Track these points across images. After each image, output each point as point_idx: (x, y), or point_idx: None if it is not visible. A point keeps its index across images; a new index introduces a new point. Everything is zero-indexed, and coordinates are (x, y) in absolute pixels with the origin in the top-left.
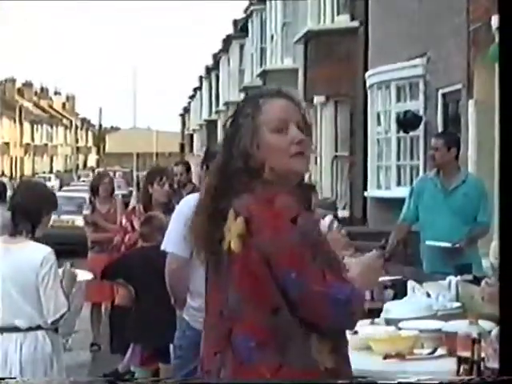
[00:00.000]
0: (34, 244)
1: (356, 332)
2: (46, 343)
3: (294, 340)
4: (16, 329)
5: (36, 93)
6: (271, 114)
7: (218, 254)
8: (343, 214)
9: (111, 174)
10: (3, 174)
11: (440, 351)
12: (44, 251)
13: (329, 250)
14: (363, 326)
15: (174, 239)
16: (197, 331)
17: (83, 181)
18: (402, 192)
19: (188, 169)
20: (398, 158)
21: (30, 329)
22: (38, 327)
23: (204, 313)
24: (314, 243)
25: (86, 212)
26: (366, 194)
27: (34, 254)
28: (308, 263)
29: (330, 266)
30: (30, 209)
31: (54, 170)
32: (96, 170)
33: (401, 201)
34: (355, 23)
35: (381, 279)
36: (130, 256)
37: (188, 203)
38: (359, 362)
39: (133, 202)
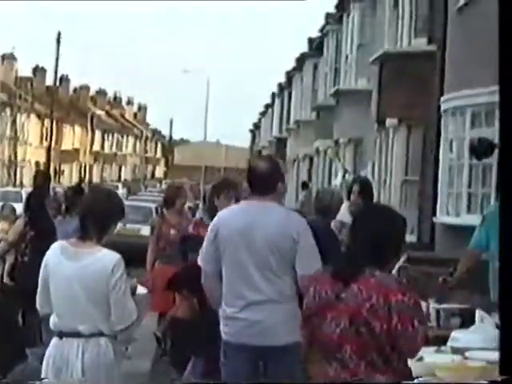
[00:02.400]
0: (105, 250)
1: (421, 358)
2: (109, 350)
3: None
4: (78, 334)
5: (109, 101)
6: None
7: None
8: (410, 238)
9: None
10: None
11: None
12: (115, 257)
13: None
14: (429, 353)
15: (201, 255)
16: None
17: (150, 191)
18: (472, 220)
19: None
20: (470, 186)
21: (92, 335)
22: (101, 334)
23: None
24: None
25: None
26: (434, 219)
27: (105, 259)
28: None
29: None
30: (101, 214)
31: (122, 179)
32: (170, 182)
33: (470, 228)
34: (432, 47)
35: (448, 306)
36: (194, 267)
37: (215, 220)
38: None
39: (199, 214)
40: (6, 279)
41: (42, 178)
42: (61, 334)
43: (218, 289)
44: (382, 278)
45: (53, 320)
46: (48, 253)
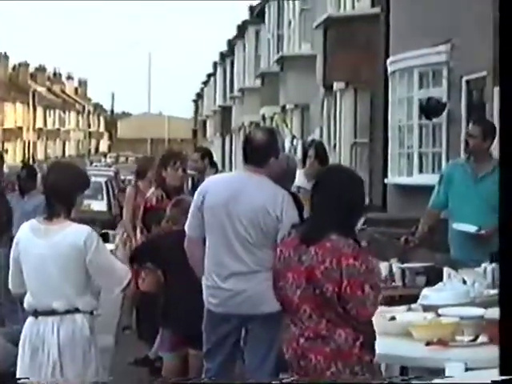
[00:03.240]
0: (74, 224)
1: (394, 318)
2: (85, 326)
3: None
4: (53, 312)
5: (49, 78)
6: None
7: None
8: None
9: (123, 159)
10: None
11: (482, 338)
12: (85, 230)
13: None
14: (401, 313)
15: (188, 220)
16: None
17: (96, 166)
18: (424, 179)
19: (203, 156)
20: (420, 145)
21: (67, 312)
22: (77, 310)
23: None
24: None
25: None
26: (386, 180)
27: (76, 234)
28: None
29: None
30: (65, 190)
31: (67, 155)
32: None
33: (423, 188)
34: (376, 9)
35: (413, 265)
36: (157, 240)
37: (203, 186)
38: (401, 348)
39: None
40: None
41: None
42: (36, 313)
43: (202, 256)
44: (337, 242)
45: (27, 300)
46: (18, 233)
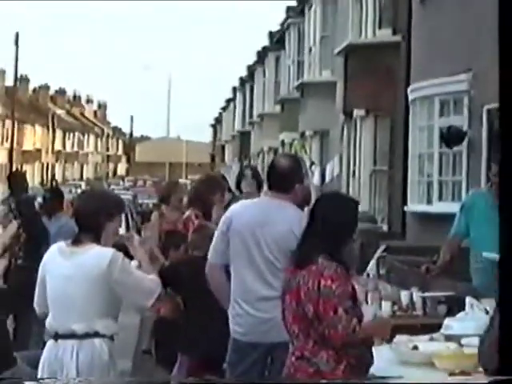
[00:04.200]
0: (99, 247)
1: (416, 347)
2: (103, 350)
3: None
4: (72, 336)
5: (68, 100)
6: None
7: None
8: (382, 228)
9: (141, 182)
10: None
11: None
12: (109, 253)
13: None
14: (423, 342)
15: (211, 247)
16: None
17: (113, 189)
18: (444, 207)
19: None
20: (440, 174)
21: (86, 335)
22: (96, 334)
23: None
24: None
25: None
26: (405, 208)
27: (100, 255)
28: None
29: None
30: (90, 216)
31: (84, 178)
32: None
33: (443, 216)
34: (397, 37)
35: (434, 294)
36: (179, 265)
37: (229, 212)
38: (423, 378)
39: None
40: None
41: (23, 179)
42: (56, 336)
43: (225, 283)
44: (322, 265)
45: (48, 321)
46: (46, 254)
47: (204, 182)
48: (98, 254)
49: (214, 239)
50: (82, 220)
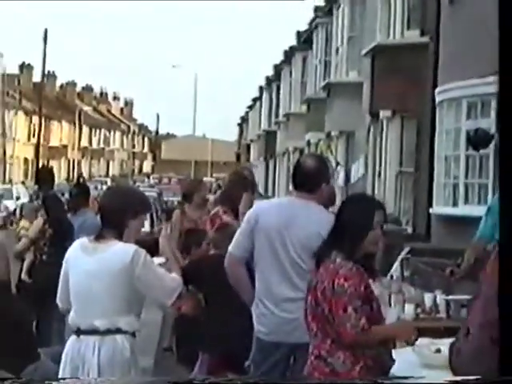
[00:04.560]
0: (121, 243)
1: (439, 350)
2: (125, 347)
3: None
4: (94, 331)
5: (95, 97)
6: None
7: None
8: (407, 230)
9: (166, 180)
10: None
11: None
12: (131, 249)
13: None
14: (446, 345)
15: (233, 241)
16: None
17: (139, 186)
18: (469, 210)
19: None
20: (467, 176)
21: (108, 331)
22: (118, 330)
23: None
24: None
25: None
26: (431, 210)
27: (123, 251)
28: None
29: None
30: (115, 211)
31: (110, 175)
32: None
33: (468, 219)
34: (425, 38)
35: (458, 297)
36: (200, 262)
37: (255, 209)
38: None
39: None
40: (24, 276)
41: (50, 175)
42: (78, 332)
43: (245, 276)
44: (338, 264)
45: (71, 317)
46: (69, 249)
47: (234, 177)
48: (120, 250)
49: (238, 232)
50: (106, 216)
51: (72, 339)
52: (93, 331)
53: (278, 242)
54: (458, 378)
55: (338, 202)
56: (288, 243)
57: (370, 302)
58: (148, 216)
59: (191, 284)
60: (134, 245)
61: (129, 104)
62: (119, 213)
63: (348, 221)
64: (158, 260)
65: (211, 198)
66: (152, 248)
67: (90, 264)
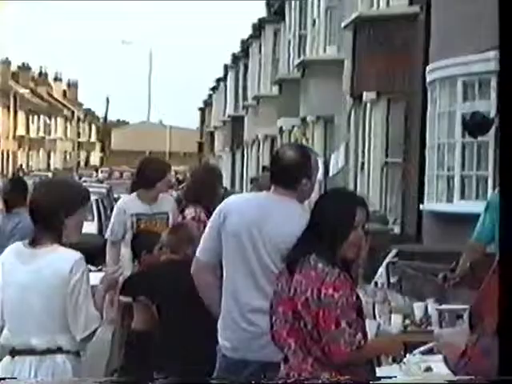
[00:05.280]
0: (62, 249)
1: (430, 368)
2: (67, 369)
3: None
4: (31, 351)
5: (33, 78)
6: None
7: None
8: (394, 229)
9: (117, 174)
10: None
11: None
12: (73, 256)
13: None
14: (437, 362)
15: (201, 241)
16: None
17: (85, 181)
18: (466, 206)
19: None
20: (463, 167)
21: (47, 351)
22: (59, 349)
23: None
24: None
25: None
26: (421, 207)
27: (62, 259)
28: None
29: None
30: (48, 211)
31: (52, 168)
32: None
33: (465, 216)
34: (415, 8)
35: (452, 307)
36: (152, 270)
37: (224, 206)
38: None
39: None
40: None
41: None
42: (13, 352)
43: (214, 285)
44: (322, 271)
45: (4, 335)
46: (1, 257)
47: (204, 169)
48: (59, 258)
49: (205, 233)
50: (38, 215)
51: (6, 360)
52: (29, 351)
53: (248, 243)
54: (457, 378)
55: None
56: (259, 245)
57: (361, 313)
58: (96, 215)
59: (142, 294)
60: (77, 253)
61: (73, 86)
62: (53, 210)
63: (325, 219)
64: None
65: (174, 194)
66: (98, 255)
67: (25, 274)
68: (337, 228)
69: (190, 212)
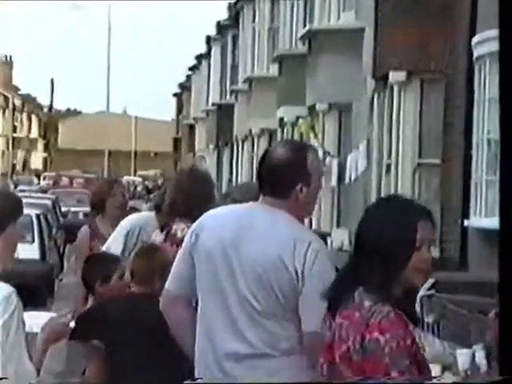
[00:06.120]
0: None
1: None
2: None
3: None
4: None
5: None
6: None
7: None
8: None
9: (66, 180)
10: None
11: None
12: (4, 290)
13: None
14: None
15: (171, 271)
16: None
17: (23, 190)
18: None
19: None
20: None
21: None
22: None
23: None
24: None
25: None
26: (466, 223)
27: None
28: None
29: None
30: None
31: None
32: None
33: None
34: None
35: None
36: (109, 305)
37: (198, 222)
38: None
39: None
40: None
41: None
42: None
43: (187, 322)
44: (368, 310)
45: None
46: None
47: (191, 174)
48: None
49: (176, 259)
50: None
51: None
52: None
53: (223, 267)
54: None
55: (326, 208)
56: (236, 269)
57: (417, 362)
58: (37, 235)
59: (94, 338)
60: (6, 285)
61: (5, 64)
62: None
63: (376, 240)
64: (45, 315)
65: (144, 206)
66: (41, 288)
67: None
68: (393, 250)
69: (179, 228)
